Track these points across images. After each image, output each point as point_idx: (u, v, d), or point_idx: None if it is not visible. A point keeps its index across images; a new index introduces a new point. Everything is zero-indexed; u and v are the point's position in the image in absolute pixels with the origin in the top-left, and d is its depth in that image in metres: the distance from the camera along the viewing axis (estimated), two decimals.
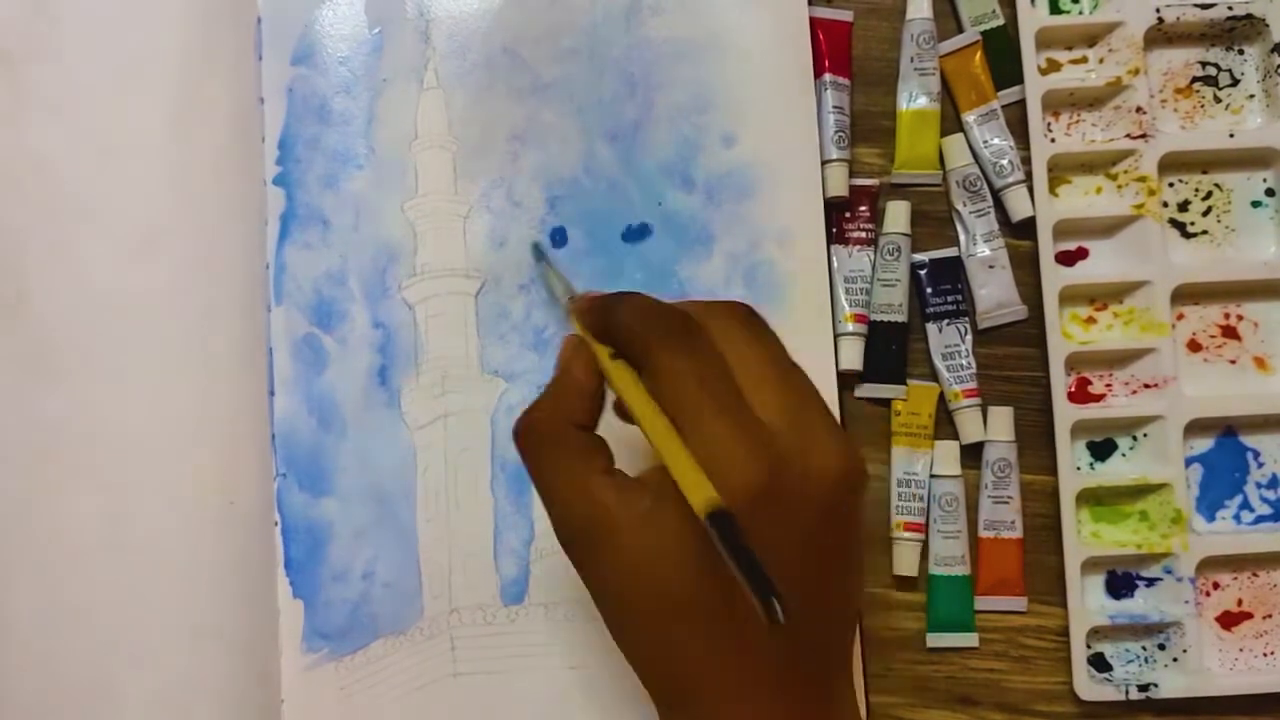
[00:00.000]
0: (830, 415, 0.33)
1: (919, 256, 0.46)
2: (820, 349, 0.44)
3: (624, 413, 0.34)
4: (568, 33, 0.46)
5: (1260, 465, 0.45)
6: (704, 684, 0.31)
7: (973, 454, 0.45)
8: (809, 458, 0.31)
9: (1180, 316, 0.45)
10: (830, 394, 0.44)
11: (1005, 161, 0.45)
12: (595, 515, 0.31)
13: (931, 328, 0.46)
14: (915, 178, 0.46)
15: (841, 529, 0.32)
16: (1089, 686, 0.43)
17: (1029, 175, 0.45)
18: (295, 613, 0.44)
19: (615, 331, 0.33)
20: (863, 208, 0.46)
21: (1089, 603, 0.44)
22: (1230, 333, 0.45)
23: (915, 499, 0.44)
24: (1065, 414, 0.44)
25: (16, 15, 0.47)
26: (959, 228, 0.46)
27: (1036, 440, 0.45)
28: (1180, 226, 0.46)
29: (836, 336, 0.45)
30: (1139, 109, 0.45)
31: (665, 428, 0.30)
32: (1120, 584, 0.44)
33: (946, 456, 0.45)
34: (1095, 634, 0.44)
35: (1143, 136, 0.45)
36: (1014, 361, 0.46)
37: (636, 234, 0.45)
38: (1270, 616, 0.44)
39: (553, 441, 0.33)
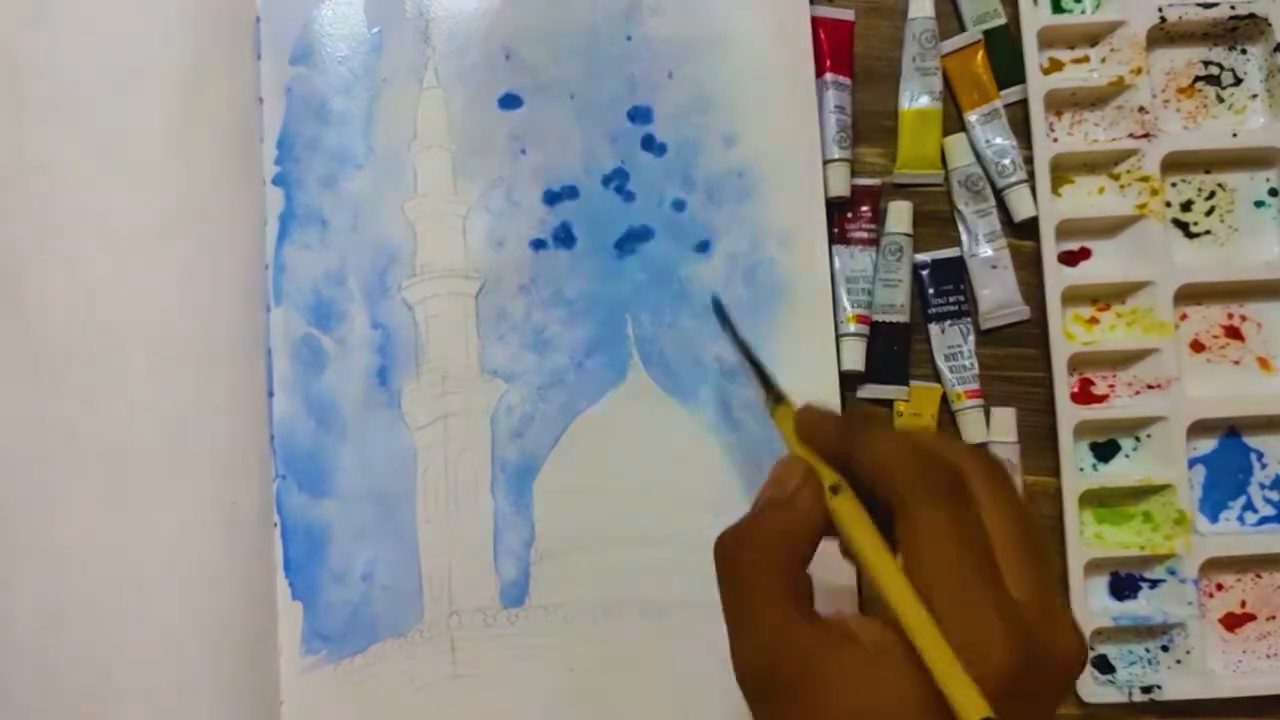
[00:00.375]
0: (1056, 590, 0.31)
1: (921, 257, 0.46)
2: (822, 350, 0.44)
3: (848, 553, 0.32)
4: (567, 32, 0.46)
5: (1264, 466, 0.45)
6: None
7: None
8: (1054, 640, 0.29)
9: (1183, 317, 0.45)
10: (833, 396, 0.44)
11: (1007, 161, 0.45)
12: (798, 663, 0.29)
13: (934, 328, 0.45)
14: (917, 178, 0.46)
15: (1056, 709, 0.30)
16: (1092, 688, 0.43)
17: (1031, 175, 0.45)
18: (295, 614, 0.44)
19: (860, 467, 0.31)
20: (864, 208, 0.46)
21: (1092, 604, 0.44)
22: (1233, 333, 0.45)
23: None
24: (1068, 415, 0.44)
25: (16, 18, 0.47)
26: (961, 228, 0.46)
27: (1039, 441, 0.45)
28: (1183, 226, 0.46)
29: (839, 337, 0.45)
30: (1141, 108, 0.45)
31: (913, 600, 0.28)
32: (1123, 585, 0.44)
33: None
34: (1098, 636, 0.43)
35: (1145, 136, 0.45)
36: (1016, 362, 0.45)
37: (637, 234, 0.45)
38: (1274, 618, 0.44)
39: (766, 573, 0.30)
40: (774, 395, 0.36)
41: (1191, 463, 0.44)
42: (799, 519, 0.31)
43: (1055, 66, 0.46)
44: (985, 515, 0.29)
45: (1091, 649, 0.43)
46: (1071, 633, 0.29)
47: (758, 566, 0.30)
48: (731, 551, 0.31)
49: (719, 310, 0.42)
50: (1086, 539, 0.44)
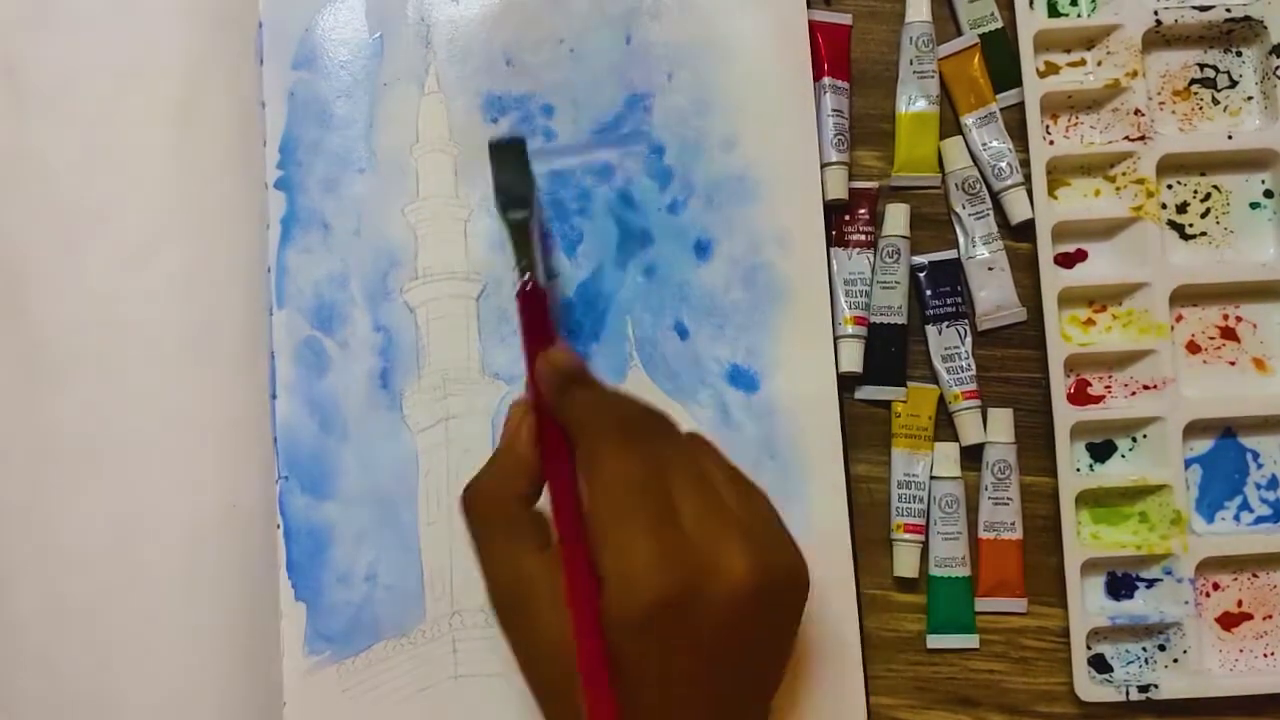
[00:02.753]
0: (756, 521, 0.34)
1: (918, 259, 0.46)
2: (820, 351, 0.45)
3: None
4: (567, 37, 0.47)
5: (1260, 466, 0.45)
6: None
7: (973, 456, 0.45)
8: (718, 567, 0.31)
9: (1179, 318, 0.46)
10: (831, 397, 0.44)
11: (1004, 164, 0.46)
12: (520, 589, 0.33)
13: (931, 330, 0.46)
14: (914, 180, 0.46)
15: (751, 632, 0.32)
16: (1089, 687, 0.43)
17: (1028, 178, 0.45)
18: (297, 615, 0.44)
19: (560, 414, 0.34)
20: (862, 210, 0.46)
21: (1089, 604, 0.44)
22: (1229, 334, 0.46)
23: (915, 501, 0.44)
24: (1065, 415, 0.44)
25: (18, 19, 0.47)
26: (958, 230, 0.46)
27: (1036, 442, 0.45)
28: (1179, 228, 0.46)
29: (836, 339, 0.45)
30: (1137, 111, 0.45)
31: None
32: (1120, 585, 0.45)
33: (946, 458, 0.45)
34: (1095, 635, 0.44)
35: (1141, 139, 0.45)
36: (1013, 363, 0.46)
37: (637, 238, 0.46)
38: (1270, 617, 0.44)
39: (491, 513, 0.35)
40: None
41: (1188, 463, 0.45)
42: (517, 460, 0.35)
43: (1051, 70, 0.46)
44: (671, 458, 0.33)
45: (1088, 648, 0.43)
46: (735, 556, 0.32)
47: (485, 507, 0.35)
48: (467, 499, 0.35)
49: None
50: (1083, 539, 0.44)
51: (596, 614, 0.31)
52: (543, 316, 0.37)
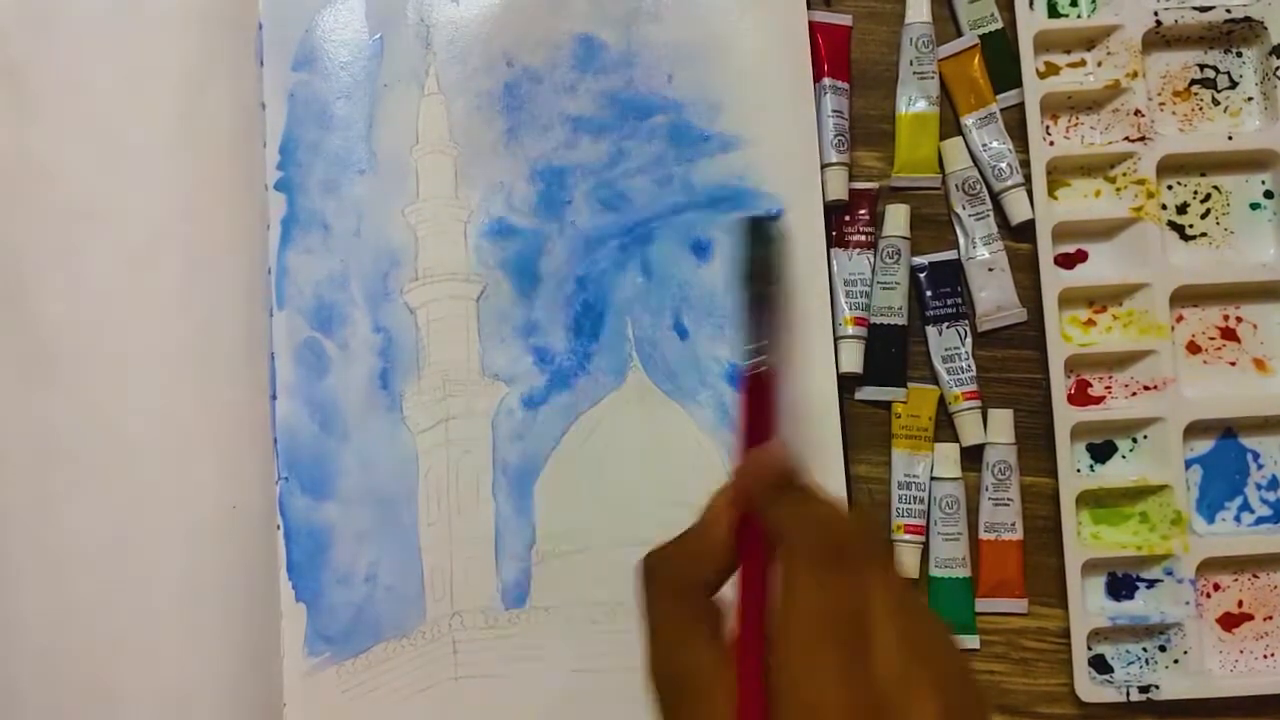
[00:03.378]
0: (952, 676, 0.31)
1: (918, 259, 0.46)
2: (820, 352, 0.45)
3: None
4: (568, 38, 0.47)
5: (1260, 466, 0.45)
6: None
7: (973, 456, 0.45)
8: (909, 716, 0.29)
9: (1179, 318, 0.46)
10: (831, 398, 0.44)
11: (1004, 164, 0.46)
12: (687, 675, 0.31)
13: (931, 330, 0.46)
14: (914, 181, 0.46)
15: None
16: (1090, 688, 0.43)
17: (1028, 178, 0.45)
18: (298, 616, 0.44)
19: (769, 517, 0.32)
20: (862, 211, 0.46)
21: (1089, 604, 0.44)
22: (1229, 334, 0.45)
23: (915, 501, 0.44)
24: (1065, 416, 0.44)
25: (20, 22, 0.47)
26: (958, 230, 0.46)
27: (1036, 442, 0.45)
28: (1179, 229, 0.46)
29: (836, 340, 0.45)
30: (1137, 112, 0.45)
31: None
32: (1121, 585, 0.44)
33: (947, 459, 0.45)
34: (1096, 635, 0.44)
35: (1141, 139, 0.45)
36: (1014, 364, 0.46)
37: (638, 238, 0.46)
38: (1271, 618, 0.44)
39: (674, 589, 0.32)
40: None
41: (1188, 463, 0.45)
42: (709, 546, 0.32)
43: (1051, 70, 0.46)
44: (869, 593, 0.30)
45: (1089, 649, 0.43)
46: (929, 703, 0.29)
47: (665, 586, 0.32)
48: (646, 569, 0.33)
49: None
50: (1084, 539, 0.44)
51: None
52: (768, 406, 0.33)
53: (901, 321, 0.45)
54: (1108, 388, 0.45)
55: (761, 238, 0.35)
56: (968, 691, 0.31)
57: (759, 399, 0.33)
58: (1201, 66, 0.46)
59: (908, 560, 0.44)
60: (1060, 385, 0.44)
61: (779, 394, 0.33)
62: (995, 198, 0.46)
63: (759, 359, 0.33)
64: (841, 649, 0.29)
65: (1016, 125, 0.46)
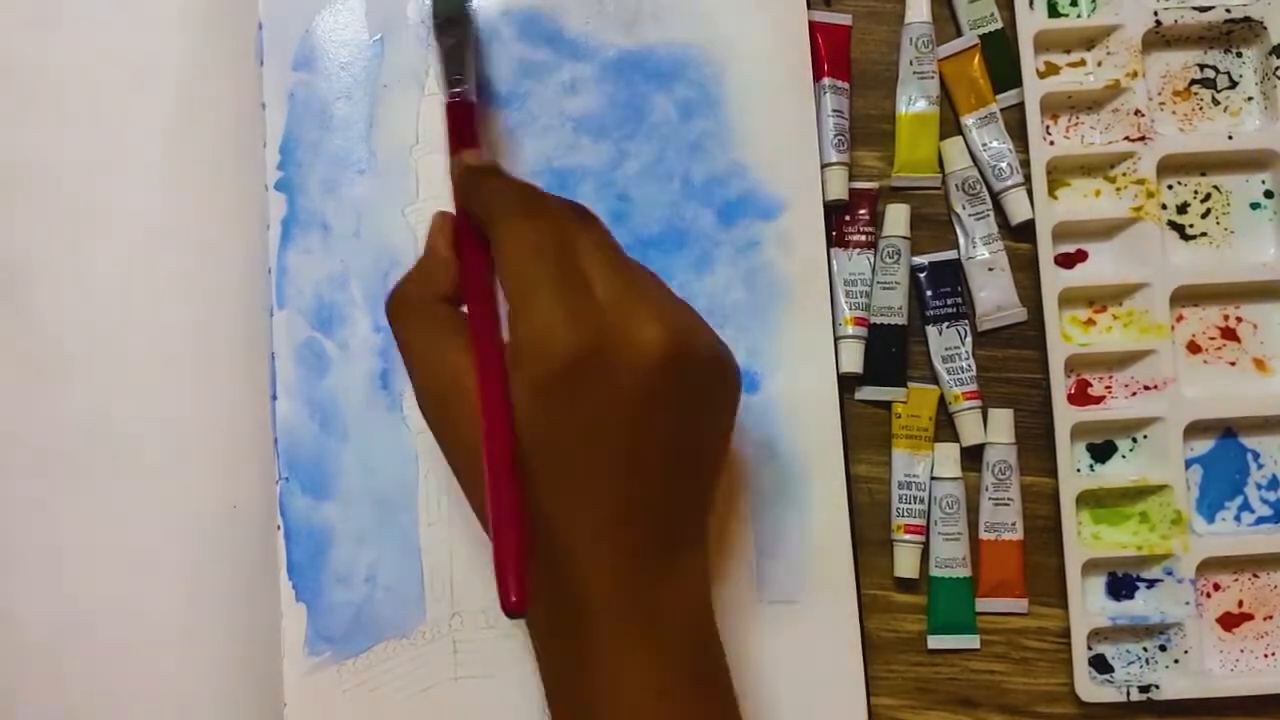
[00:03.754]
0: (671, 300, 0.34)
1: (919, 259, 0.46)
2: (820, 352, 0.45)
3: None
4: (568, 38, 0.47)
5: (1260, 466, 0.45)
6: (556, 527, 0.32)
7: (973, 456, 0.45)
8: (632, 331, 0.31)
9: (1179, 318, 0.46)
10: (831, 398, 0.44)
11: (1004, 164, 0.46)
12: (444, 384, 0.33)
13: (931, 330, 0.46)
14: (914, 181, 0.46)
15: (669, 406, 0.32)
16: (1090, 688, 0.43)
17: (1028, 178, 0.45)
18: (298, 616, 0.44)
19: (473, 206, 0.35)
20: (862, 211, 0.46)
21: (1090, 604, 0.44)
22: (1229, 334, 0.46)
23: (916, 501, 0.44)
24: (1065, 416, 0.44)
25: (19, 22, 0.47)
26: (958, 230, 0.46)
27: (1036, 442, 0.45)
28: (1179, 229, 0.46)
29: (837, 339, 0.45)
30: (1137, 112, 0.45)
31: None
32: (1121, 585, 0.44)
33: (947, 459, 0.45)
34: (1096, 635, 0.44)
35: (1141, 139, 0.45)
36: (1014, 364, 0.46)
37: (638, 238, 0.46)
38: (1271, 618, 0.44)
39: (417, 313, 0.35)
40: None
41: (1188, 463, 0.45)
42: (438, 261, 0.35)
43: (1051, 70, 0.46)
44: (575, 236, 0.33)
45: (1089, 649, 0.43)
46: (654, 329, 0.32)
47: (410, 309, 0.35)
48: (391, 303, 0.35)
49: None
50: (1084, 539, 0.44)
51: (502, 384, 0.31)
52: (468, 126, 0.38)
53: (901, 321, 0.45)
54: (1108, 387, 0.45)
55: None
56: (683, 314, 0.34)
57: (459, 121, 0.39)
58: (1201, 66, 0.46)
59: (908, 560, 0.44)
60: (1060, 385, 0.44)
61: (475, 117, 0.39)
62: (995, 197, 0.46)
63: (455, 90, 0.39)
64: (558, 277, 0.32)
65: (1016, 125, 0.46)
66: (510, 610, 0.28)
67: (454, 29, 0.41)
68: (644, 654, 0.32)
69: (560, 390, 0.31)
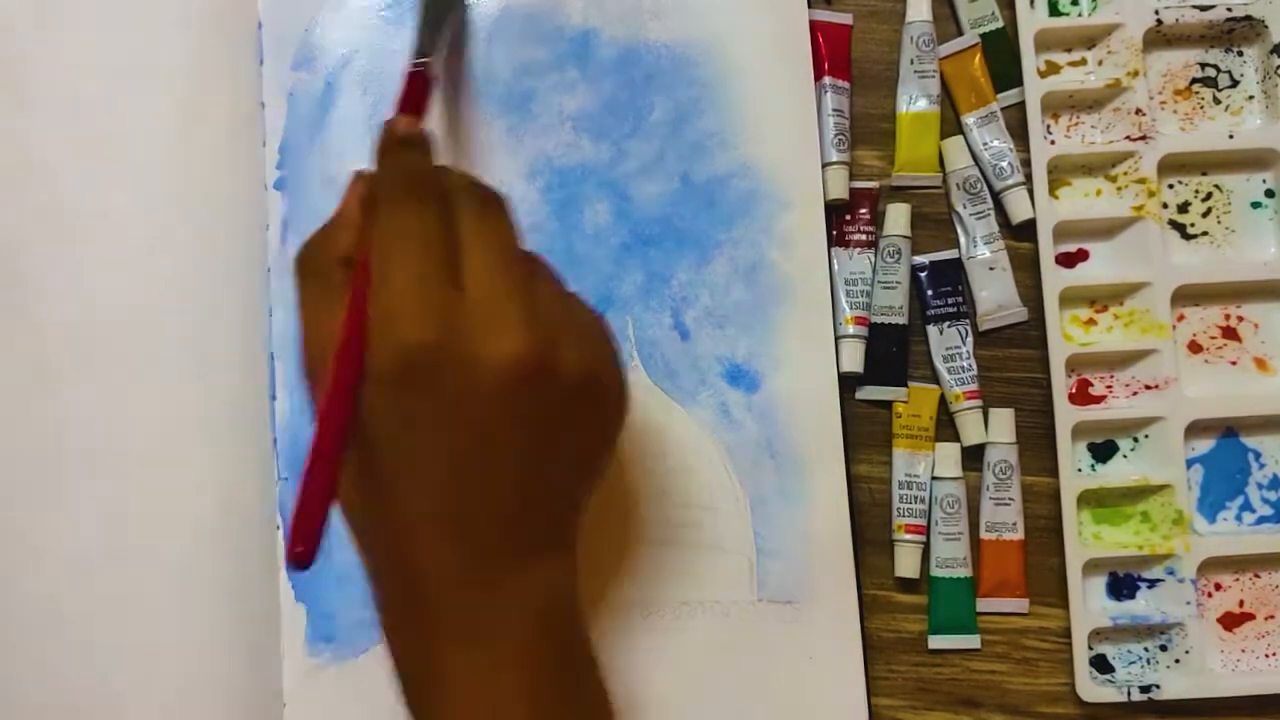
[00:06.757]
0: (554, 311, 0.32)
1: (919, 259, 0.46)
2: (821, 351, 0.45)
3: None
4: (567, 36, 0.46)
5: (1261, 466, 0.45)
6: (398, 513, 0.32)
7: (974, 456, 0.45)
8: (486, 337, 0.30)
9: (1181, 318, 0.45)
10: (831, 397, 0.44)
11: (1005, 164, 0.46)
12: (322, 346, 0.31)
13: (932, 330, 0.46)
14: (915, 180, 0.46)
15: (516, 418, 0.31)
16: (1091, 688, 0.43)
17: (1029, 177, 0.45)
18: (298, 616, 0.44)
19: (378, 173, 0.34)
20: (863, 210, 0.46)
21: (1091, 604, 0.44)
22: (1231, 334, 0.45)
23: (916, 501, 0.44)
24: (1066, 416, 0.44)
25: (19, 22, 0.47)
26: (959, 230, 0.46)
27: (1037, 442, 0.45)
28: (1180, 228, 0.46)
29: (837, 339, 0.45)
30: (1138, 111, 0.45)
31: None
32: (1122, 585, 0.44)
33: (947, 458, 0.45)
34: (1097, 635, 0.44)
35: (1142, 138, 0.45)
36: (1015, 363, 0.46)
37: (638, 237, 0.45)
38: (1272, 617, 0.44)
39: (314, 272, 0.33)
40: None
41: (1189, 463, 0.45)
42: (345, 221, 0.34)
43: (1052, 69, 0.46)
44: (460, 225, 0.32)
45: (1090, 649, 0.43)
46: (512, 336, 0.30)
47: (308, 268, 0.34)
48: (296, 259, 0.34)
49: None
50: (1085, 539, 0.44)
51: (355, 362, 0.30)
52: (419, 97, 0.38)
53: (902, 321, 0.45)
54: (1109, 387, 0.45)
55: None
56: (561, 329, 0.32)
57: (412, 90, 0.38)
58: (1203, 65, 0.46)
59: (908, 560, 0.44)
60: (1061, 385, 0.44)
61: (428, 92, 0.38)
62: (996, 197, 0.46)
63: (420, 60, 0.38)
64: (420, 266, 0.30)
65: (1017, 124, 0.46)
66: (294, 560, 0.29)
67: (440, 5, 0.41)
68: (475, 661, 0.31)
69: (397, 381, 0.30)
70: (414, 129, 0.35)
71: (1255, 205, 0.46)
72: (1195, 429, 0.44)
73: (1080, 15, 0.46)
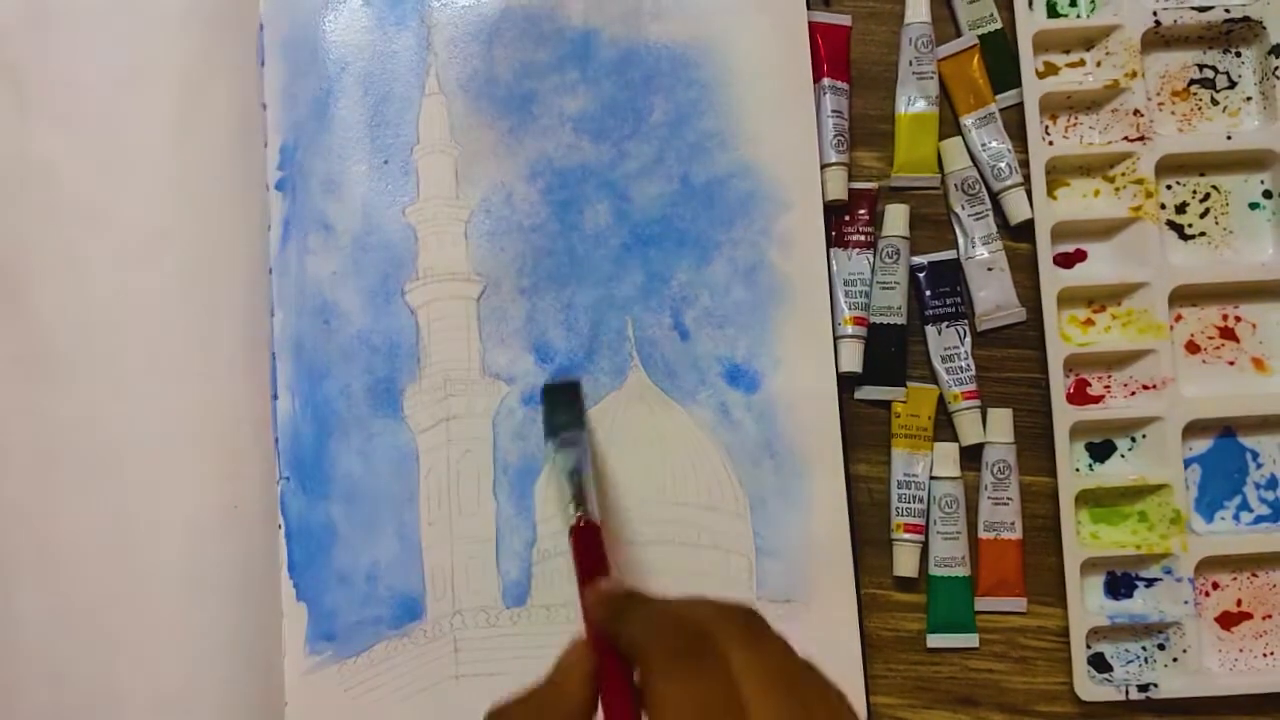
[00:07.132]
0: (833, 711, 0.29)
1: (918, 259, 0.46)
2: (820, 351, 0.45)
3: None
4: (568, 38, 0.47)
5: (1259, 466, 0.45)
6: None
7: (972, 455, 0.45)
8: None
9: (1178, 318, 0.46)
10: (830, 397, 0.44)
11: (1003, 164, 0.46)
12: None
13: (931, 330, 0.46)
14: (914, 181, 0.46)
15: None
16: (1089, 687, 0.43)
17: (1027, 178, 0.45)
18: (299, 616, 0.44)
19: (620, 642, 0.30)
20: (862, 211, 0.46)
21: (1088, 603, 0.44)
22: (1228, 334, 0.46)
23: (915, 500, 0.45)
24: (1064, 415, 0.44)
25: (19, 22, 0.47)
26: (957, 230, 0.46)
27: (1035, 442, 0.45)
28: (1178, 228, 0.46)
29: (836, 339, 0.45)
30: (1136, 112, 0.45)
31: None
32: (1120, 584, 0.45)
33: (946, 458, 0.45)
34: (1095, 634, 0.44)
35: (1140, 139, 0.45)
36: (1013, 363, 0.46)
37: (639, 237, 0.46)
38: (1270, 616, 0.44)
39: None
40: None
41: (1187, 463, 0.45)
42: (558, 696, 0.31)
43: (1050, 70, 0.46)
44: (738, 673, 0.28)
45: (1088, 647, 0.43)
46: None
47: None
48: None
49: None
50: (1083, 539, 0.44)
51: None
52: (596, 551, 0.36)
53: (901, 321, 0.46)
54: (1106, 387, 0.45)
55: (561, 403, 0.41)
56: None
57: (587, 546, 0.36)
58: (1200, 66, 0.47)
59: (907, 559, 0.44)
60: (1059, 384, 0.44)
61: (601, 540, 0.36)
62: (994, 197, 0.46)
63: (580, 514, 0.37)
64: None
65: (1015, 125, 0.46)
66: None
67: (572, 446, 0.40)
68: None
69: None
70: (624, 585, 0.33)
71: (1253, 206, 0.46)
72: (1193, 429, 0.44)
73: (1078, 17, 0.46)
